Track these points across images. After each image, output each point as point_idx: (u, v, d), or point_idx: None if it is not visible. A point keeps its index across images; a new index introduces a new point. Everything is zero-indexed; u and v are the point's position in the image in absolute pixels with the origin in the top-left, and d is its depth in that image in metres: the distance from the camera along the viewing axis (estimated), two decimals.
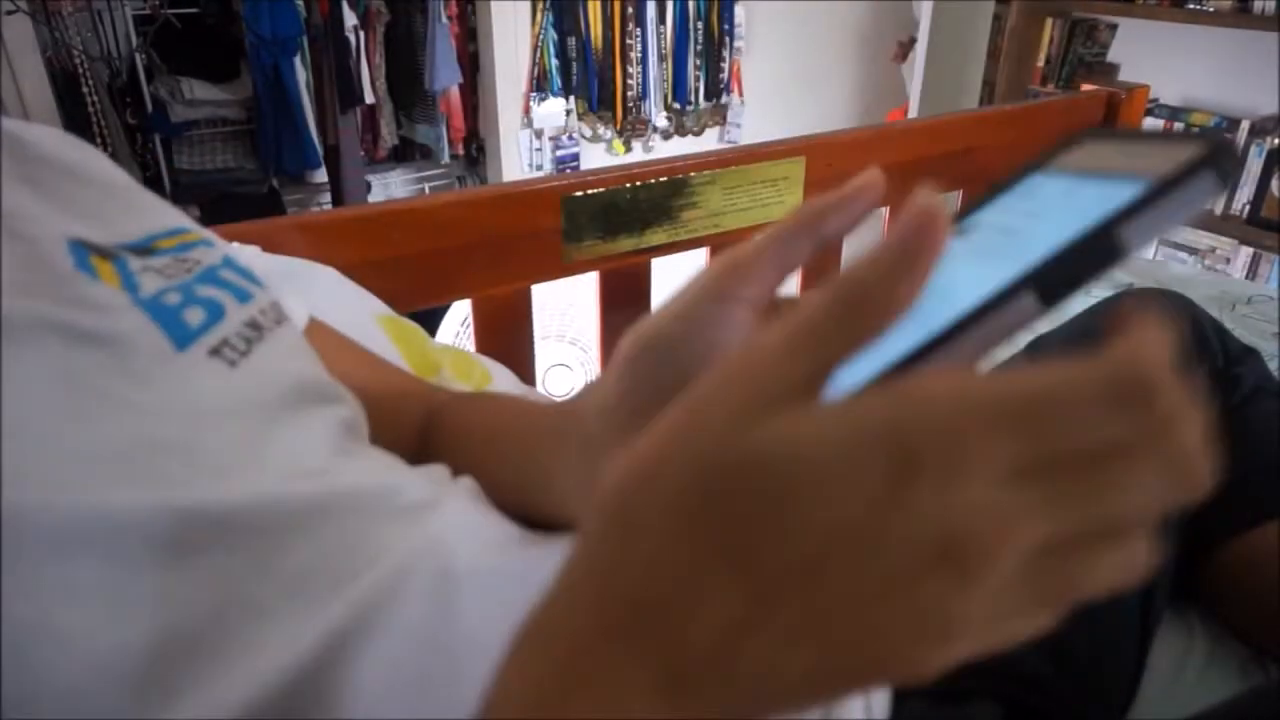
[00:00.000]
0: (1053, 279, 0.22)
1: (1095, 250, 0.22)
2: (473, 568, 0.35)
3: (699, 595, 0.20)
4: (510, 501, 0.41)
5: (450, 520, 0.37)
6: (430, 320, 2.48)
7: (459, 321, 1.51)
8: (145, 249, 0.38)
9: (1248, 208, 2.52)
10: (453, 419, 0.50)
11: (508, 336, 0.97)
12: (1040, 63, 2.86)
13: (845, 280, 0.21)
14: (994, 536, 0.19)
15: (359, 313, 0.75)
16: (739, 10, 2.79)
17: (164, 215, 0.42)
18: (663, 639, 0.20)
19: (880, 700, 0.47)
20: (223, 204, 2.65)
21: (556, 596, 0.23)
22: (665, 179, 0.96)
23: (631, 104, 2.77)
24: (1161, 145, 0.24)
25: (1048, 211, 0.25)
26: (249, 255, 0.67)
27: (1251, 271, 2.57)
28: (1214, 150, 0.22)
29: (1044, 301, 0.22)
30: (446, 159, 2.95)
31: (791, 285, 0.33)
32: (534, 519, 0.41)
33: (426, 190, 3.09)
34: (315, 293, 0.71)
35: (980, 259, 0.25)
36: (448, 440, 0.49)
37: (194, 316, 0.35)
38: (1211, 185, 0.22)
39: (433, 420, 0.51)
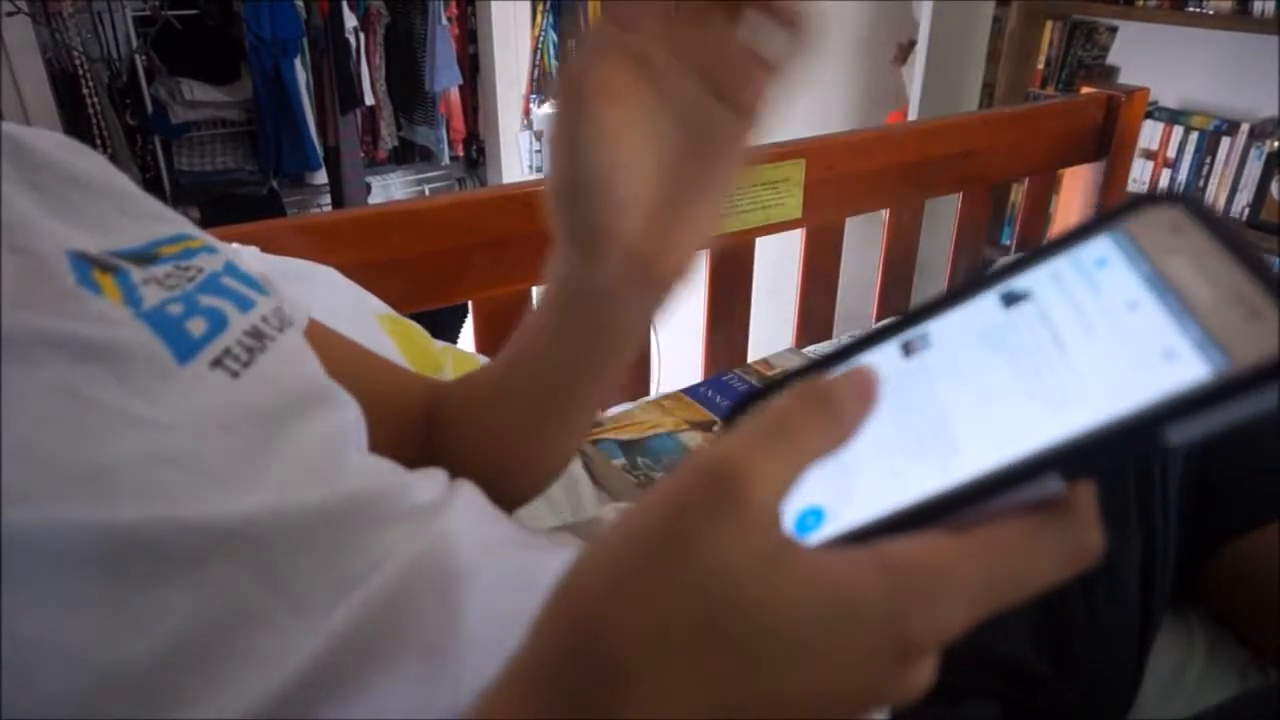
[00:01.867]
0: (1080, 464, 0.21)
1: (1132, 440, 0.21)
2: (475, 570, 0.35)
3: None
4: (561, 397, 0.45)
5: (452, 523, 0.37)
6: (435, 320, 2.47)
7: None
8: (148, 256, 0.38)
9: (1247, 210, 2.52)
10: (459, 387, 0.52)
11: (508, 338, 0.97)
12: (1040, 65, 2.86)
13: (809, 385, 0.23)
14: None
15: (360, 312, 0.75)
16: None
17: (167, 221, 0.42)
18: None
19: None
20: (223, 205, 2.65)
21: (509, 692, 0.24)
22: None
23: None
24: (1254, 292, 0.20)
25: (1104, 331, 0.22)
26: (249, 256, 0.67)
27: None
28: None
29: (1068, 479, 0.22)
30: (446, 161, 2.95)
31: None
32: (596, 392, 0.45)
33: (426, 192, 3.09)
34: (315, 292, 0.71)
35: (1019, 365, 0.23)
36: (459, 408, 0.50)
37: (196, 327, 0.35)
38: (1276, 400, 0.20)
39: (438, 404, 0.51)
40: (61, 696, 0.25)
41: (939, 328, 0.26)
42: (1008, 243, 2.75)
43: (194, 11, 2.50)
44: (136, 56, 2.47)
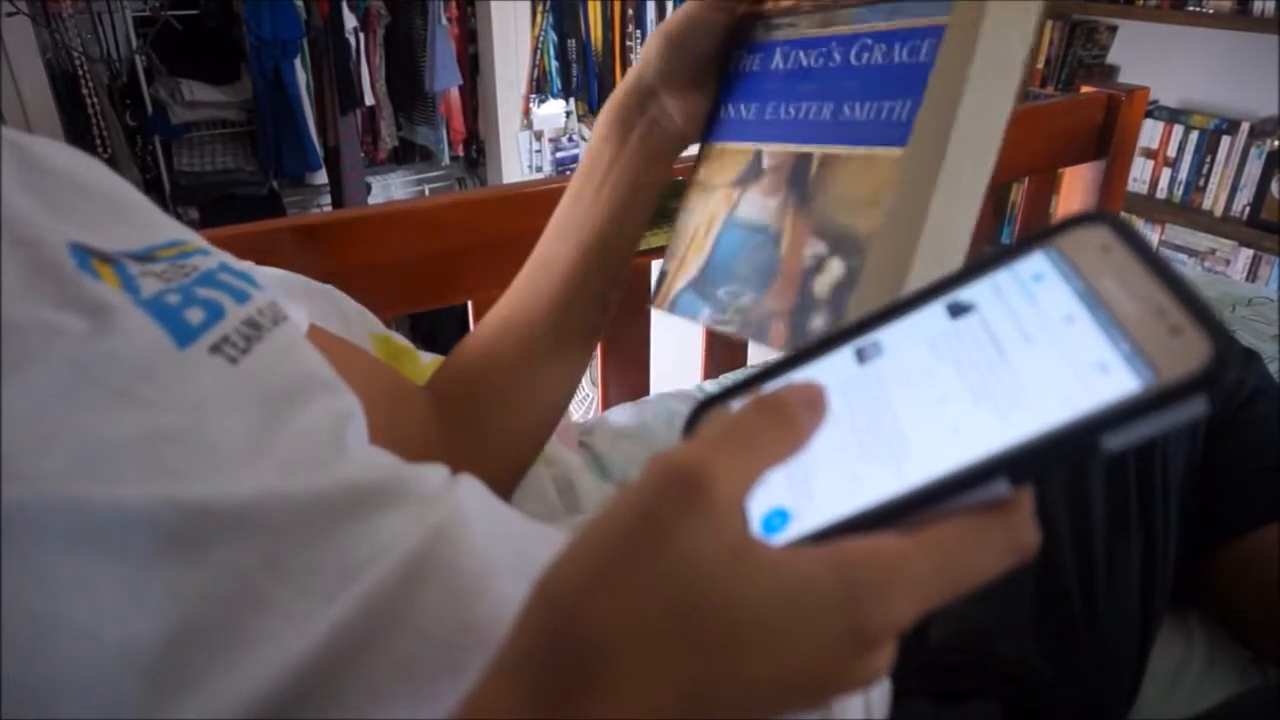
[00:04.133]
0: (1026, 470, 0.23)
1: (1073, 448, 0.23)
2: (481, 563, 0.35)
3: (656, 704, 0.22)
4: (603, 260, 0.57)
5: (456, 514, 0.37)
6: (434, 321, 2.46)
7: None
8: (145, 257, 0.38)
9: (1247, 209, 2.53)
10: (463, 345, 0.60)
11: None
12: (1040, 64, 2.86)
13: (765, 396, 0.25)
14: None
15: (355, 330, 0.75)
16: None
17: (163, 228, 0.42)
18: None
19: (880, 700, 0.47)
20: (222, 206, 2.66)
21: (495, 679, 0.24)
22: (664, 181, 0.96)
23: None
24: (1174, 309, 0.22)
25: (1043, 343, 0.24)
26: (246, 266, 0.68)
27: (1252, 273, 2.57)
28: (1214, 372, 0.21)
29: (1014, 483, 0.24)
30: (446, 161, 2.96)
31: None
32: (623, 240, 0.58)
33: (426, 192, 3.09)
34: (313, 308, 0.71)
35: (965, 373, 0.25)
36: (472, 354, 0.59)
37: (194, 316, 0.36)
38: (1201, 409, 0.21)
39: (438, 381, 0.58)
40: (69, 674, 0.25)
41: (890, 336, 0.28)
42: (1008, 242, 2.75)
43: (194, 12, 2.50)
44: (136, 57, 2.47)
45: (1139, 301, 0.23)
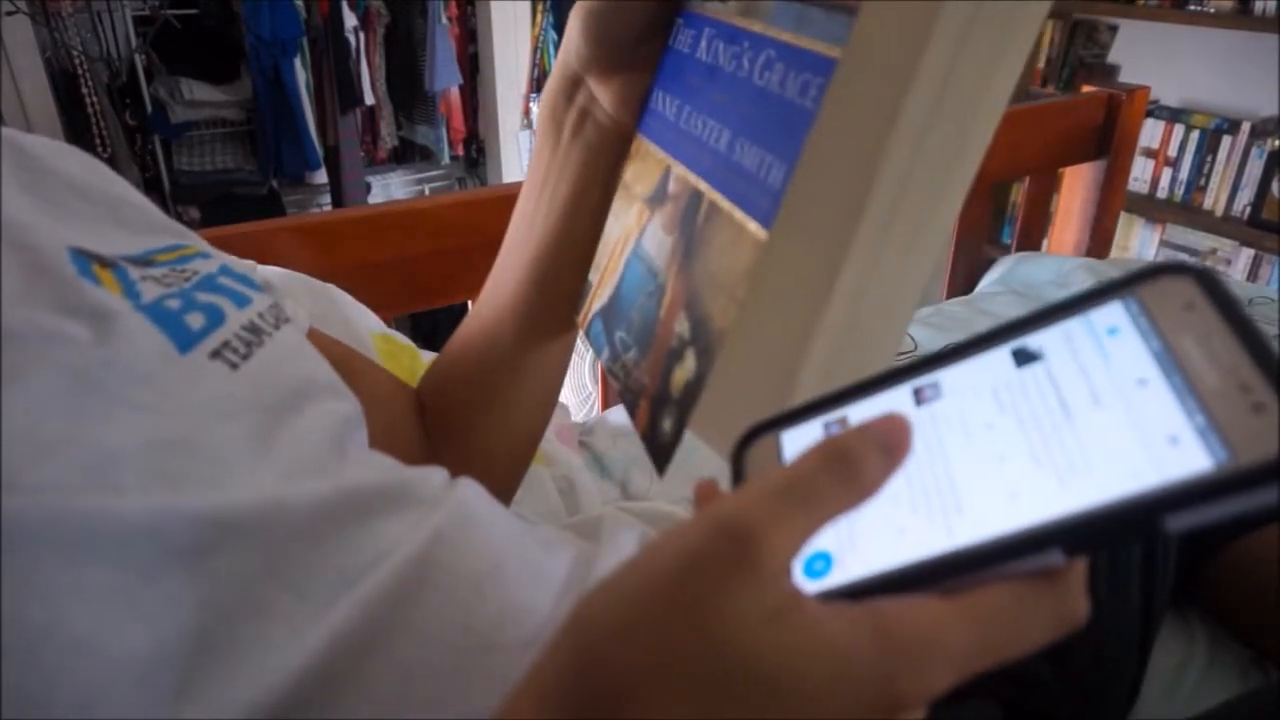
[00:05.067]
0: (1083, 543, 0.22)
1: (1134, 525, 0.21)
2: (482, 565, 0.35)
3: None
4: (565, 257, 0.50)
5: (456, 517, 0.37)
6: (434, 321, 2.46)
7: None
8: (145, 260, 0.38)
9: (1248, 209, 2.52)
10: (440, 355, 0.58)
11: None
12: (1040, 64, 2.86)
13: (833, 444, 0.24)
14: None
15: (357, 329, 0.75)
16: None
17: (163, 231, 0.42)
18: None
19: None
20: (222, 205, 2.66)
21: (527, 697, 0.24)
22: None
23: None
24: (1260, 383, 0.20)
25: (1112, 406, 0.23)
26: (247, 267, 0.68)
27: (1252, 274, 2.57)
28: None
29: (1068, 554, 0.22)
30: (446, 160, 2.96)
31: None
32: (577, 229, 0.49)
33: (426, 191, 3.09)
34: (313, 308, 0.71)
35: (1027, 430, 0.24)
36: (445, 364, 0.57)
37: (194, 321, 0.36)
38: (1275, 499, 0.20)
39: (423, 391, 0.57)
40: (68, 682, 0.25)
41: (951, 378, 0.26)
42: (1008, 242, 2.75)
43: (194, 11, 2.50)
44: (136, 56, 2.47)
45: (1221, 370, 0.21)
